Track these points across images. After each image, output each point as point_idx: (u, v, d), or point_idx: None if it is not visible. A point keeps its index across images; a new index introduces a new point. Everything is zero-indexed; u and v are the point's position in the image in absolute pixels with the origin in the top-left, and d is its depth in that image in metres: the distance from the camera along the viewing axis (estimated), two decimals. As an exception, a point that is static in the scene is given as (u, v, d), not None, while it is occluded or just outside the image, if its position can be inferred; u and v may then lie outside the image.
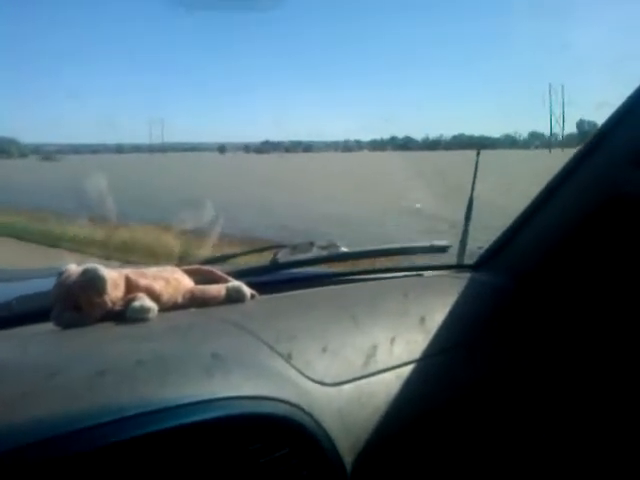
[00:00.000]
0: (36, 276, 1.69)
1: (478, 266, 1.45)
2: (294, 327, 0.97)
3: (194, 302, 1.05)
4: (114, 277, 0.95)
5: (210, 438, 0.71)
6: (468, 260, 1.51)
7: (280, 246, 1.33)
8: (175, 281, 1.05)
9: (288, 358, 0.88)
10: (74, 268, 0.95)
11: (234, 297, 1.08)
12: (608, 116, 1.20)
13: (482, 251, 1.48)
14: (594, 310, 1.27)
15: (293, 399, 0.79)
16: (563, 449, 1.17)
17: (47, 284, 1.01)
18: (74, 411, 0.64)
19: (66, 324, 0.91)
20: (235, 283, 1.10)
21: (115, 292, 0.94)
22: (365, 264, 1.52)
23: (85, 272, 0.93)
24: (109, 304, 0.93)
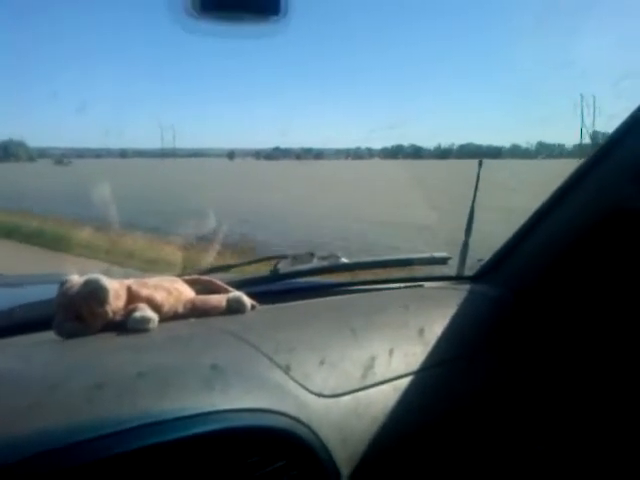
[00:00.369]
0: (37, 282, 1.70)
1: (478, 278, 1.46)
2: (293, 338, 0.98)
3: (195, 312, 1.06)
4: (116, 287, 0.96)
5: (209, 450, 0.71)
6: (468, 272, 1.52)
7: (281, 256, 1.34)
8: (176, 291, 1.05)
9: (287, 370, 0.88)
10: (76, 278, 0.96)
11: (234, 307, 1.09)
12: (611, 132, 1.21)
13: (482, 263, 1.49)
14: (593, 324, 1.27)
15: (292, 411, 0.80)
16: (560, 461, 1.17)
17: (48, 291, 1.02)
18: (75, 423, 0.65)
19: (68, 334, 0.92)
20: (236, 293, 1.11)
21: (117, 302, 0.95)
22: (366, 275, 1.53)
23: (87, 283, 0.94)
24: (110, 314, 0.94)
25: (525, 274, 1.35)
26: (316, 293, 1.30)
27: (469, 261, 1.55)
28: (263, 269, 1.34)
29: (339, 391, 0.90)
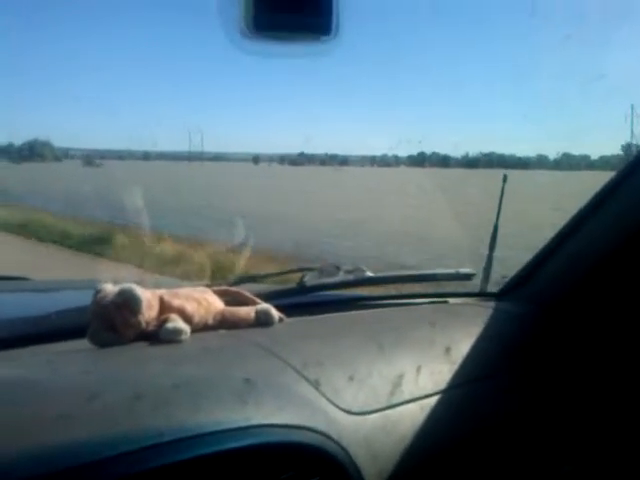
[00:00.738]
0: (69, 288, 1.72)
1: (503, 295, 1.45)
2: (321, 353, 0.99)
3: (224, 324, 1.07)
4: (148, 297, 0.97)
5: (244, 465, 0.72)
6: (492, 288, 1.52)
7: (307, 269, 1.35)
8: (206, 302, 1.07)
9: (317, 385, 0.89)
10: (110, 287, 0.98)
11: (263, 320, 1.10)
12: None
13: (507, 279, 1.48)
14: (622, 341, 1.26)
15: (323, 428, 0.80)
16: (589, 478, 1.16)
17: (81, 297, 1.03)
18: (113, 435, 0.66)
19: (101, 344, 0.94)
20: (264, 306, 1.12)
21: (149, 312, 0.96)
22: (390, 289, 1.54)
23: (121, 292, 0.95)
24: (143, 324, 0.95)
25: (552, 291, 1.35)
26: (342, 306, 1.31)
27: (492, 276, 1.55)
28: (290, 281, 1.35)
29: (368, 408, 0.91)
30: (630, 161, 1.22)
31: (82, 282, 1.49)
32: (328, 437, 0.80)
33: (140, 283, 1.00)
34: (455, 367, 1.07)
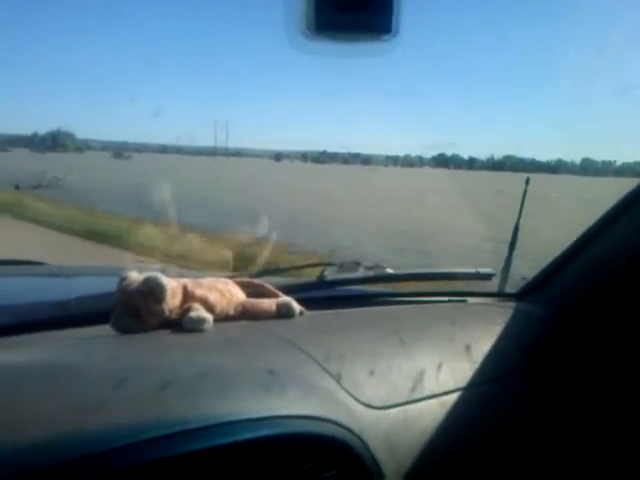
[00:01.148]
0: (94, 274, 1.74)
1: (522, 295, 1.45)
2: (342, 346, 0.99)
3: (245, 315, 1.07)
4: (173, 286, 0.98)
5: (265, 454, 0.72)
6: (510, 288, 1.52)
7: (328, 264, 1.36)
8: (228, 293, 1.08)
9: (338, 378, 0.89)
10: (135, 275, 0.99)
11: (284, 312, 1.11)
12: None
13: (527, 281, 1.48)
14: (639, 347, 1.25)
15: (344, 421, 0.81)
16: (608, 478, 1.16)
17: (105, 284, 1.05)
18: (142, 421, 0.67)
19: (125, 330, 0.95)
20: (285, 299, 1.13)
21: (173, 301, 0.97)
22: (409, 286, 1.54)
23: (147, 280, 0.96)
24: (167, 313, 0.96)
25: (572, 293, 1.34)
26: (362, 302, 1.31)
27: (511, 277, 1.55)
28: (310, 275, 1.35)
29: (388, 403, 0.91)
30: None
31: (100, 269, 1.50)
32: (349, 430, 0.80)
33: (164, 272, 1.01)
34: (475, 365, 1.07)
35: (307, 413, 0.78)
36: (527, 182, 1.64)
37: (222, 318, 1.04)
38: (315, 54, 0.71)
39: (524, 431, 1.06)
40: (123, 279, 0.99)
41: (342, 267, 1.37)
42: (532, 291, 1.44)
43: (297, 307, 1.13)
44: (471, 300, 1.44)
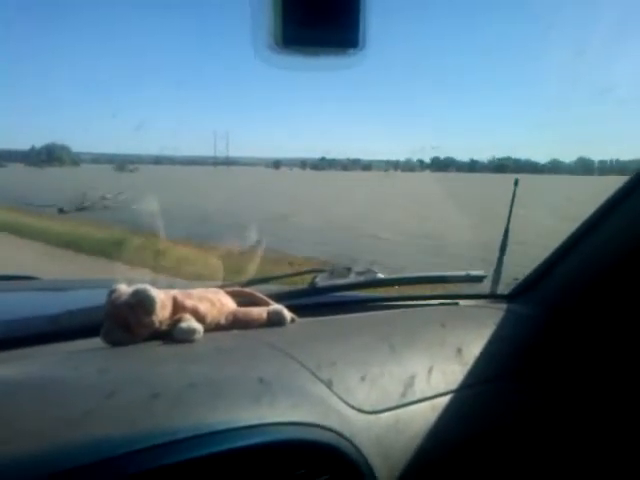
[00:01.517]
0: (84, 288, 1.74)
1: (514, 297, 1.45)
2: (334, 353, 0.99)
3: (236, 324, 1.08)
4: (162, 298, 0.98)
5: (258, 462, 0.72)
6: (502, 290, 1.52)
7: (319, 270, 1.36)
8: (219, 302, 1.08)
9: (329, 384, 0.89)
10: (124, 288, 0.99)
11: (275, 320, 1.11)
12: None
13: (518, 282, 1.48)
14: (632, 347, 1.26)
15: (336, 426, 0.81)
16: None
17: (95, 297, 1.05)
18: (131, 433, 0.67)
19: (115, 342, 0.95)
20: (276, 307, 1.13)
21: (163, 312, 0.97)
22: (401, 291, 1.54)
23: (136, 293, 0.96)
24: (157, 324, 0.96)
25: (563, 294, 1.35)
26: (353, 307, 1.32)
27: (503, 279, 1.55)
28: (301, 282, 1.36)
29: (379, 407, 0.91)
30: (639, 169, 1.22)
31: (92, 282, 1.50)
32: (340, 435, 0.81)
33: (154, 284, 1.02)
34: (466, 368, 1.07)
35: (298, 420, 0.78)
36: (516, 184, 1.64)
37: (213, 328, 1.04)
38: (283, 68, 0.72)
39: (516, 432, 1.07)
40: (112, 292, 0.99)
41: (333, 273, 1.37)
42: (523, 292, 1.44)
43: (288, 314, 1.13)
44: (463, 303, 1.45)
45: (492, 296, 1.49)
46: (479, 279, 1.49)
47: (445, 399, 1.00)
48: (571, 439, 1.13)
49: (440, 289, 1.63)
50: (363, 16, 0.69)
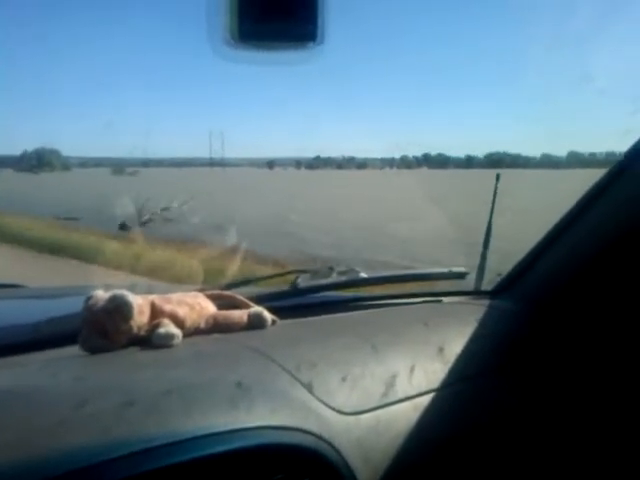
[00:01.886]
0: (62, 295, 1.72)
1: (497, 293, 1.46)
2: (315, 355, 0.99)
3: (217, 328, 1.07)
4: (140, 303, 0.97)
5: (235, 468, 0.72)
6: (486, 286, 1.53)
7: (300, 271, 1.35)
8: (198, 306, 1.07)
9: (309, 387, 0.89)
10: (101, 294, 0.98)
11: (256, 323, 1.10)
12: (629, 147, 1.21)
13: (500, 278, 1.49)
14: (614, 339, 1.26)
15: (315, 429, 0.81)
16: (583, 476, 1.17)
17: (73, 304, 1.03)
18: (104, 441, 0.66)
19: (93, 349, 0.94)
20: (257, 309, 1.13)
21: (141, 318, 0.97)
22: (384, 289, 1.54)
23: (112, 299, 0.95)
24: (135, 330, 0.95)
25: (546, 289, 1.35)
26: (335, 308, 1.31)
27: (486, 275, 1.56)
28: (283, 283, 1.35)
29: (360, 409, 0.91)
30: (619, 160, 1.22)
31: (77, 289, 1.49)
32: (319, 438, 0.80)
33: (132, 289, 1.01)
34: (448, 366, 1.07)
35: (276, 424, 0.78)
36: (497, 179, 1.65)
37: (193, 332, 1.03)
38: (240, 63, 0.71)
39: (499, 430, 1.07)
40: (89, 298, 0.98)
41: (315, 274, 1.37)
42: (506, 288, 1.45)
43: (269, 317, 1.12)
44: (446, 300, 1.45)
45: (475, 293, 1.50)
46: (461, 276, 1.49)
47: (427, 398, 1.00)
48: (554, 435, 1.13)
49: (424, 287, 1.63)
50: (322, 10, 0.69)
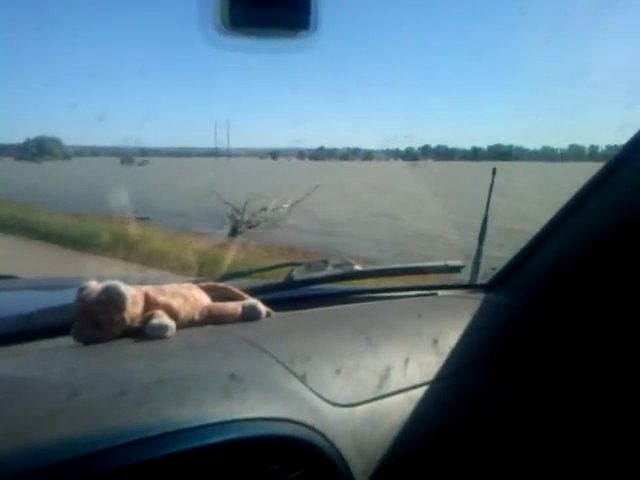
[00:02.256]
0: (55, 286, 1.72)
1: (492, 286, 1.46)
2: (309, 347, 0.98)
3: (211, 319, 1.06)
4: (133, 294, 0.97)
5: (228, 459, 0.72)
6: (481, 280, 1.53)
7: (295, 263, 1.35)
8: (192, 298, 1.06)
9: (303, 379, 0.89)
10: (95, 285, 0.97)
11: (250, 315, 1.10)
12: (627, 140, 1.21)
13: (496, 271, 1.49)
14: (609, 332, 1.27)
15: (308, 421, 0.80)
16: (576, 472, 1.17)
17: (67, 295, 1.03)
18: (97, 431, 0.66)
19: (86, 340, 0.93)
20: (251, 301, 1.12)
21: (134, 309, 0.96)
22: (379, 282, 1.54)
23: (106, 290, 0.95)
24: (128, 321, 0.95)
25: (541, 283, 1.35)
26: (330, 300, 1.31)
27: (482, 268, 1.56)
28: (277, 276, 1.35)
29: (354, 400, 0.91)
30: (616, 154, 1.22)
31: (71, 280, 1.48)
32: (313, 429, 0.80)
33: (126, 279, 1.00)
34: (443, 359, 1.07)
35: (270, 415, 0.77)
36: (494, 172, 1.65)
37: (187, 324, 1.03)
38: (233, 50, 0.71)
39: (493, 422, 1.07)
40: (82, 289, 0.97)
41: (310, 266, 1.36)
42: (501, 281, 1.45)
43: (263, 309, 1.12)
44: (441, 293, 1.45)
45: (470, 286, 1.50)
46: (457, 269, 1.49)
47: (421, 390, 1.00)
48: (548, 428, 1.14)
49: (419, 280, 1.63)
50: None
